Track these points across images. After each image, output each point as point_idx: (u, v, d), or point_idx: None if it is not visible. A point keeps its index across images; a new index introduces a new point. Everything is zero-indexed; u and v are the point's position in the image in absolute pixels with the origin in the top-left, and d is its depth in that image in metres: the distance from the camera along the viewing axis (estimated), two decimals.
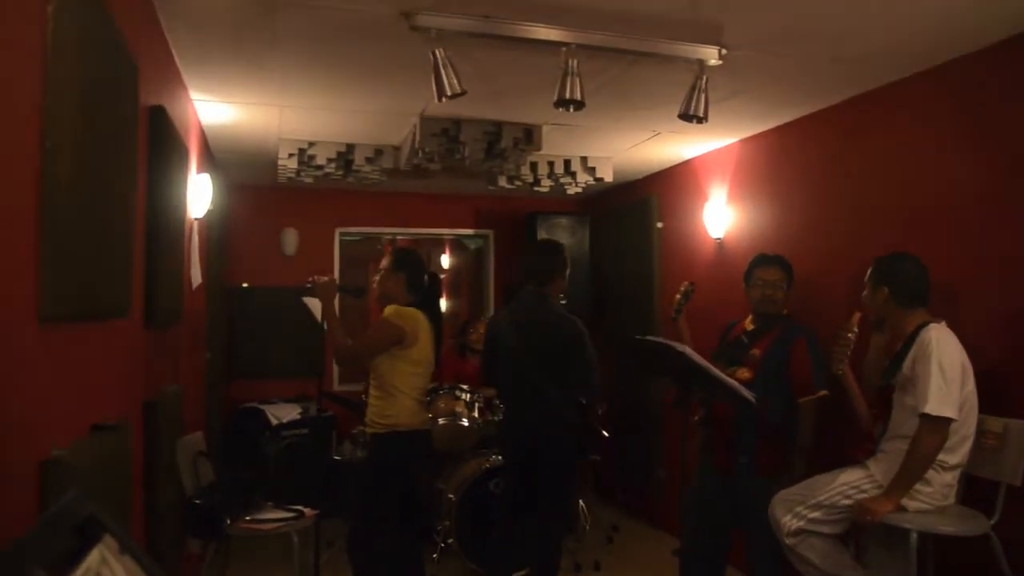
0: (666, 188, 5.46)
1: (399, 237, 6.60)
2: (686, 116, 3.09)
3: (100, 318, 1.91)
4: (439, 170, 4.78)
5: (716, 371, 3.05)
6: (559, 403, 3.57)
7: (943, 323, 2.79)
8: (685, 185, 5.18)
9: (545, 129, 4.31)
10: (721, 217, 4.72)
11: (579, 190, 5.43)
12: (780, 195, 4.24)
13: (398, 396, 3.42)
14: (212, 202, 4.08)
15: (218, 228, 4.90)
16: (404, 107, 3.96)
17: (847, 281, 3.54)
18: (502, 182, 5.09)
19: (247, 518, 3.40)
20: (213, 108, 3.92)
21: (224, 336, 5.55)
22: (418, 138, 4.12)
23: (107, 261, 1.90)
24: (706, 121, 3.09)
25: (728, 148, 4.71)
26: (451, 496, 4.42)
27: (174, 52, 3.10)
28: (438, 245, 7.22)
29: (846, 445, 3.15)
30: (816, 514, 2.86)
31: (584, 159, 5.10)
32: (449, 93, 2.78)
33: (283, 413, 5.37)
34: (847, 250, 3.67)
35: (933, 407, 2.60)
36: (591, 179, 5.18)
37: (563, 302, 3.84)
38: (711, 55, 2.97)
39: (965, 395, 2.69)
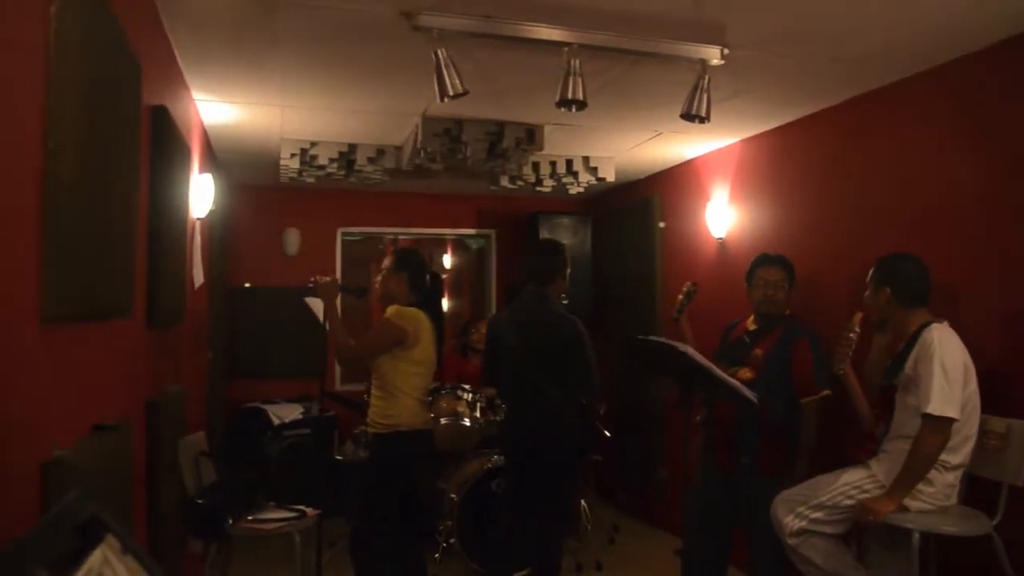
0: (668, 188, 5.46)
1: (401, 237, 6.59)
2: (688, 116, 3.08)
3: (102, 318, 1.91)
4: (441, 170, 4.78)
5: (718, 371, 3.05)
6: (559, 403, 3.57)
7: (945, 323, 2.78)
8: (687, 185, 5.18)
9: (547, 129, 4.31)
10: (723, 217, 4.72)
11: (581, 190, 5.42)
12: (782, 195, 4.24)
13: (400, 396, 3.42)
14: (214, 202, 4.09)
15: (220, 228, 4.90)
16: (406, 107, 3.97)
17: (849, 281, 3.54)
18: (504, 182, 5.09)
19: (249, 518, 3.39)
20: (215, 108, 3.92)
21: (226, 336, 5.55)
22: (420, 138, 4.12)
23: (109, 261, 1.90)
24: (708, 121, 3.09)
25: (730, 148, 4.71)
26: (453, 496, 4.43)
27: (176, 52, 3.10)
28: (440, 245, 7.21)
29: (848, 445, 3.14)
30: (818, 514, 2.86)
31: (586, 159, 5.10)
32: (451, 93, 2.78)
33: (285, 413, 5.37)
34: (849, 250, 3.67)
35: (935, 407, 2.60)
36: (593, 179, 5.18)
37: (565, 302, 3.84)
38: (713, 55, 2.97)
39: (967, 395, 2.69)
